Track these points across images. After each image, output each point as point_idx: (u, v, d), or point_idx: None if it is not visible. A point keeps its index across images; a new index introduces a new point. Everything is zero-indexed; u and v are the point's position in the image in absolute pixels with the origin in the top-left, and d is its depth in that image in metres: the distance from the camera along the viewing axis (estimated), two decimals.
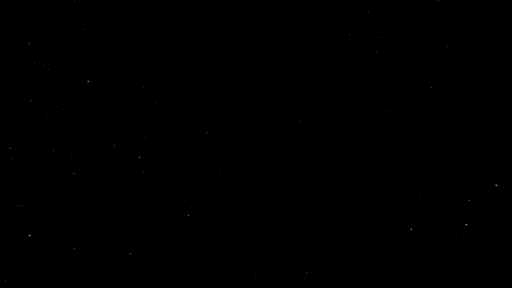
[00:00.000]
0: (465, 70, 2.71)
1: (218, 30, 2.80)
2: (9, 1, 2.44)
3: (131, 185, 2.75)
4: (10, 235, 2.66)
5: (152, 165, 2.77)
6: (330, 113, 2.78)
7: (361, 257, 2.71)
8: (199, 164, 2.79)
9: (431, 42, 2.73)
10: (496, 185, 2.49)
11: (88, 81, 2.31)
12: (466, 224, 2.61)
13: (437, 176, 2.71)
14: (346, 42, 2.77)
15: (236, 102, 2.80)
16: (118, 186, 2.75)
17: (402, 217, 2.71)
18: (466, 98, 2.70)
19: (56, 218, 2.70)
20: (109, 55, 2.76)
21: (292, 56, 2.79)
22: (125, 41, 2.77)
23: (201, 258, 2.74)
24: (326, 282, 2.71)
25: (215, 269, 2.73)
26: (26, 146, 2.70)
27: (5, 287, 2.62)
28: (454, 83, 2.71)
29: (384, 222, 2.72)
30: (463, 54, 2.71)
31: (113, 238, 2.73)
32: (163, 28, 2.79)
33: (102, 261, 2.71)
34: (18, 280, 2.64)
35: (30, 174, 2.69)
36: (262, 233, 2.75)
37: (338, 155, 2.77)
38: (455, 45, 2.71)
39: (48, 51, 2.71)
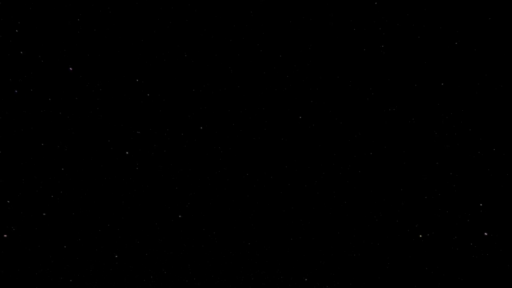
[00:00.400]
0: (476, 68, 2.62)
1: (216, 21, 2.70)
2: None
3: (126, 183, 2.68)
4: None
5: (147, 161, 2.70)
6: (332, 111, 2.70)
7: (361, 259, 2.66)
8: (196, 161, 2.71)
9: (439, 39, 2.63)
10: None
11: (71, 69, 2.21)
12: (486, 234, 2.55)
13: (444, 178, 2.64)
14: (350, 38, 2.67)
15: (235, 98, 2.71)
16: (111, 183, 2.68)
17: (404, 219, 2.65)
18: (477, 96, 2.61)
19: (47, 216, 2.64)
20: (97, 43, 2.66)
21: (294, 52, 2.70)
22: (114, 28, 2.67)
23: (198, 258, 2.69)
24: (324, 284, 2.67)
25: (212, 269, 2.68)
26: (11, 139, 2.62)
27: None
28: (463, 81, 2.62)
29: (386, 224, 2.66)
30: (475, 51, 2.61)
31: (107, 236, 2.67)
32: (157, 17, 2.68)
33: (95, 260, 2.65)
34: (9, 278, 2.58)
35: (18, 169, 2.62)
36: (260, 233, 2.70)
37: (340, 155, 2.69)
38: (465, 42, 2.62)
39: (33, 41, 2.61)
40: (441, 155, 2.64)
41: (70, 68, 2.29)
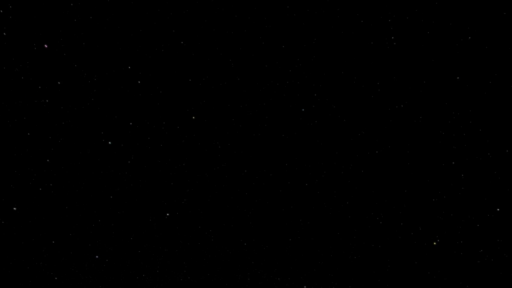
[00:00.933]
0: (486, 67, 2.52)
1: (215, 16, 2.58)
2: None
3: (120, 178, 2.60)
4: None
5: (142, 156, 2.61)
6: (334, 108, 2.60)
7: (361, 261, 2.60)
8: (194, 157, 2.63)
9: (448, 36, 2.52)
10: None
11: (46, 46, 2.11)
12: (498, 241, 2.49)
13: (450, 180, 2.56)
14: (354, 35, 2.56)
15: (236, 94, 2.61)
16: (105, 179, 2.59)
17: (406, 222, 2.59)
18: (487, 96, 2.52)
19: (37, 212, 2.56)
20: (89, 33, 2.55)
21: (297, 50, 2.59)
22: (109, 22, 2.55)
23: (193, 256, 2.63)
24: (323, 285, 2.62)
25: (208, 268, 2.63)
26: None
27: None
28: (473, 79, 2.53)
29: (387, 226, 2.60)
30: (486, 48, 2.51)
31: (101, 233, 2.60)
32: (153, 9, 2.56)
33: (87, 256, 2.59)
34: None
35: (4, 163, 2.53)
36: (258, 233, 2.63)
37: (342, 153, 2.61)
38: (474, 40, 2.51)
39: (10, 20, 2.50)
40: (447, 156, 2.56)
41: (46, 45, 2.17)
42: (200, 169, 2.63)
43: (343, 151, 2.61)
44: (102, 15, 2.52)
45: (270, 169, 2.63)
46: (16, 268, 2.54)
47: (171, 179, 2.62)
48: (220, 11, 2.55)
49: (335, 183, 2.61)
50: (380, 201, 2.60)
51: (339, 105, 2.59)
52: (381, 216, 2.59)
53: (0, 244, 2.53)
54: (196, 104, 2.60)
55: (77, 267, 2.58)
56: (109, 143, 2.49)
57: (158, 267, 2.61)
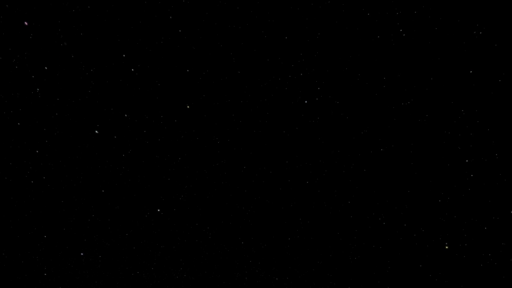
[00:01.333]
0: (494, 66, 2.45)
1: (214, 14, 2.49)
2: None
3: (118, 174, 2.53)
4: None
5: (140, 153, 2.54)
6: (337, 105, 2.53)
7: (361, 261, 2.57)
8: (192, 155, 2.56)
9: (454, 33, 2.45)
10: None
11: (26, 23, 2.03)
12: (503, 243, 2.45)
13: (455, 181, 2.52)
14: (356, 33, 2.48)
15: (236, 89, 2.54)
16: (103, 175, 2.53)
17: (407, 222, 2.54)
18: (494, 96, 2.46)
19: (31, 210, 2.50)
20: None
21: (300, 45, 2.51)
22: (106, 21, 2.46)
23: (191, 255, 2.58)
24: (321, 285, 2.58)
25: (205, 267, 2.59)
26: None
27: None
28: (481, 78, 2.46)
29: (388, 227, 2.55)
30: (495, 46, 2.44)
31: (99, 232, 2.55)
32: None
33: (83, 255, 2.54)
34: None
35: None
36: (257, 232, 2.59)
37: (344, 152, 2.55)
38: (481, 36, 2.44)
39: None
40: (452, 156, 2.51)
41: (26, 23, 2.09)
42: (198, 165, 2.57)
43: (345, 149, 2.55)
44: (97, 3, 2.43)
45: (269, 167, 2.57)
46: (4, 265, 2.49)
47: (168, 175, 2.56)
48: (220, 3, 2.46)
49: (336, 182, 2.56)
50: (382, 202, 2.55)
51: (342, 102, 2.52)
52: (383, 216, 2.55)
53: None
54: (194, 99, 2.53)
55: (67, 265, 2.53)
56: (96, 131, 2.41)
57: (154, 264, 2.56)
